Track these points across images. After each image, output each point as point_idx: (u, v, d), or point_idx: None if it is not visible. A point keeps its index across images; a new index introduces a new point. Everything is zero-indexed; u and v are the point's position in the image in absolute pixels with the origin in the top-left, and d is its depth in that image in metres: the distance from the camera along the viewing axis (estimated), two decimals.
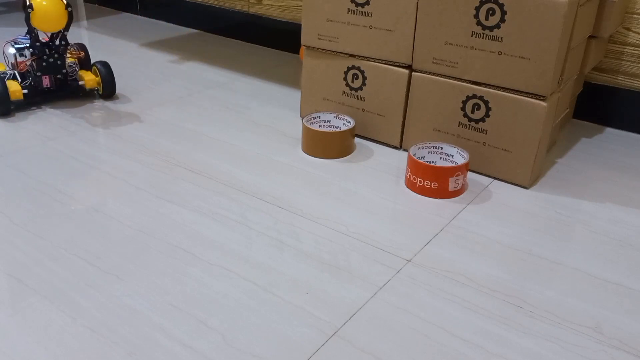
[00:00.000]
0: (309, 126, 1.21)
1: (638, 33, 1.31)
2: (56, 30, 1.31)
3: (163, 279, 0.83)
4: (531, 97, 1.04)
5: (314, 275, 0.85)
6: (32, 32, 1.32)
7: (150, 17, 2.31)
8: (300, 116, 1.40)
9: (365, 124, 1.28)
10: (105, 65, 1.45)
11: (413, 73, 1.17)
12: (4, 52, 1.39)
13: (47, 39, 1.36)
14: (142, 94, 1.52)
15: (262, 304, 0.79)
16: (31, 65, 1.35)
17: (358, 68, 1.24)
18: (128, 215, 0.98)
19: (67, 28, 1.33)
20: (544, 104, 1.03)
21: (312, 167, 1.16)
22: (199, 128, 1.32)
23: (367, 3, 1.18)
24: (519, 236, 0.96)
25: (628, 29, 1.32)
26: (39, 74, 1.36)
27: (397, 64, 1.19)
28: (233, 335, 0.73)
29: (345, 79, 1.27)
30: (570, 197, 1.08)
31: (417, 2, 1.12)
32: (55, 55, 1.36)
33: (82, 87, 1.44)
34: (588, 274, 0.87)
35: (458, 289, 0.83)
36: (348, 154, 1.22)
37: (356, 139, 1.29)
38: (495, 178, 1.14)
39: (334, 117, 1.26)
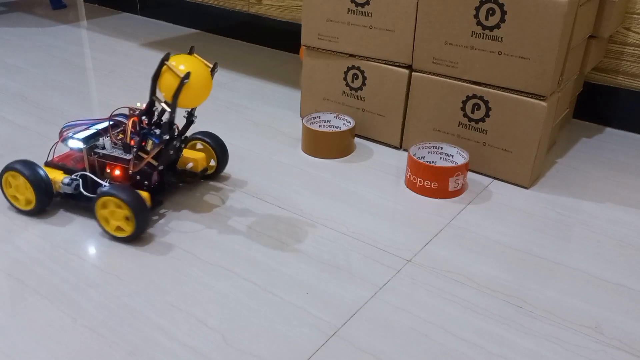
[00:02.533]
0: (309, 126, 1.21)
1: (638, 33, 1.31)
2: (199, 104, 0.93)
3: (163, 279, 0.83)
4: (531, 97, 1.04)
5: (314, 275, 0.85)
6: (170, 111, 0.90)
7: (150, 17, 2.31)
8: (300, 116, 1.40)
9: (365, 124, 1.28)
10: (211, 136, 1.07)
11: (413, 73, 1.17)
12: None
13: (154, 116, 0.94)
14: (142, 93, 1.52)
15: (262, 304, 0.79)
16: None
17: (358, 68, 1.24)
18: None
19: None
20: (544, 104, 1.03)
21: (312, 167, 1.16)
22: (199, 128, 1.32)
23: (367, 3, 1.18)
24: (519, 236, 0.96)
25: (628, 29, 1.32)
26: (161, 167, 0.95)
27: (397, 64, 1.19)
28: (233, 335, 0.73)
29: (345, 79, 1.27)
30: (570, 197, 1.08)
31: (417, 2, 1.12)
32: (181, 138, 0.98)
33: (190, 171, 1.03)
34: (588, 274, 0.87)
35: (458, 289, 0.83)
36: (348, 154, 1.22)
37: (356, 139, 1.29)
38: (495, 178, 1.14)
39: (334, 117, 1.26)
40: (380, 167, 1.17)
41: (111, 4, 2.44)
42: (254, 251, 0.90)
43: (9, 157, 1.16)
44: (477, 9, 1.05)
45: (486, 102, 1.09)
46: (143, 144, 0.93)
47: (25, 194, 0.95)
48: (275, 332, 0.74)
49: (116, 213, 0.88)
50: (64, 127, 0.98)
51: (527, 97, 1.05)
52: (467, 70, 1.10)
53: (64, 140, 0.96)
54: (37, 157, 1.16)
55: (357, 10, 1.19)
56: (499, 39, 1.04)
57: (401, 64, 1.19)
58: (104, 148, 0.95)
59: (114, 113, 0.99)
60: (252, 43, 2.01)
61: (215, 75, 1.70)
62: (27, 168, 0.92)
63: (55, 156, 1.00)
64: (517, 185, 1.11)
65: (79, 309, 0.77)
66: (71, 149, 0.96)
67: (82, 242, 0.91)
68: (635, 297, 0.83)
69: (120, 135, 0.97)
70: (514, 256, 0.91)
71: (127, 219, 0.88)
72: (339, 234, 0.95)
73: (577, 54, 1.17)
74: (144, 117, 0.93)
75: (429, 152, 1.13)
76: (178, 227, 0.95)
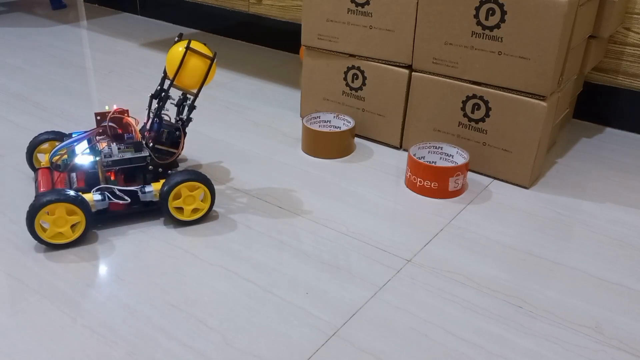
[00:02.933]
0: (309, 126, 1.21)
1: (638, 33, 1.31)
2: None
3: (163, 279, 0.83)
4: (531, 97, 1.04)
5: (314, 275, 0.85)
6: (195, 95, 0.95)
7: (150, 17, 2.31)
8: (300, 116, 1.40)
9: (365, 124, 1.28)
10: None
11: (413, 73, 1.17)
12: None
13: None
14: (142, 93, 1.52)
15: (262, 304, 0.79)
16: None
17: (358, 68, 1.24)
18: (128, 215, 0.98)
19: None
20: (544, 104, 1.03)
21: (312, 167, 1.16)
22: (198, 128, 1.32)
23: (367, 3, 1.17)
24: (519, 236, 0.96)
25: (628, 29, 1.32)
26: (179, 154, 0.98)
27: (397, 64, 1.19)
28: (233, 335, 0.73)
29: (345, 79, 1.27)
30: (570, 197, 1.08)
31: (417, 2, 1.12)
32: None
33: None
34: (588, 274, 0.87)
35: (458, 289, 0.83)
36: (348, 154, 1.22)
37: (356, 139, 1.29)
38: (495, 178, 1.14)
39: (334, 117, 1.26)
40: (380, 167, 1.17)
41: (111, 4, 2.44)
42: (254, 251, 0.90)
43: (9, 157, 1.16)
44: (477, 9, 1.05)
45: (486, 102, 1.09)
46: (152, 135, 0.95)
47: (65, 226, 0.87)
48: (275, 332, 0.74)
49: (190, 197, 0.92)
50: (52, 156, 0.94)
51: (527, 97, 1.05)
52: (467, 70, 1.10)
53: (62, 164, 0.92)
54: None
55: (357, 10, 1.19)
56: (499, 39, 1.04)
57: (401, 64, 1.19)
58: (110, 156, 0.92)
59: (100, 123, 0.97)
60: (252, 43, 2.01)
61: (215, 75, 1.70)
62: (63, 194, 0.85)
63: (40, 187, 0.94)
64: (517, 185, 1.11)
65: (79, 309, 0.77)
66: (82, 166, 0.92)
67: (82, 242, 0.91)
68: (635, 297, 0.83)
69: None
70: (514, 256, 0.91)
71: (201, 198, 0.93)
72: (339, 234, 0.95)
73: (577, 54, 1.17)
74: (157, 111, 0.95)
75: (429, 152, 1.13)
76: (178, 227, 0.95)
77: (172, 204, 0.92)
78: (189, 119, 0.98)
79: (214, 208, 1.00)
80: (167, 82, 0.96)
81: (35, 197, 0.86)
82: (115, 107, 0.96)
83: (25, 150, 1.06)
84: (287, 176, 1.12)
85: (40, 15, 2.29)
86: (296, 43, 1.87)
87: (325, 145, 1.19)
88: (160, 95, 0.95)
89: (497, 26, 1.04)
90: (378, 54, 1.20)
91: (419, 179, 1.06)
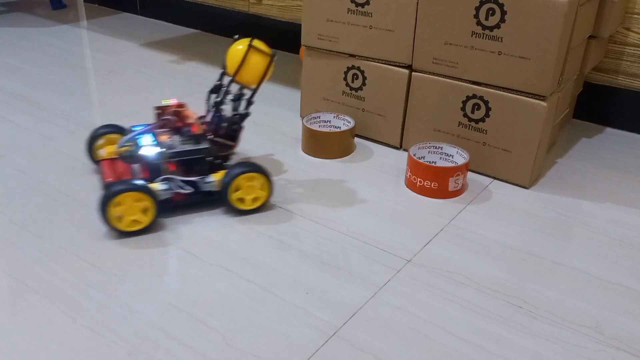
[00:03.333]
0: (309, 126, 1.21)
1: (638, 33, 1.31)
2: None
3: (163, 279, 0.83)
4: (531, 97, 1.04)
5: (314, 275, 0.85)
6: (253, 90, 1.01)
7: (150, 17, 2.31)
8: (300, 116, 1.40)
9: (365, 124, 1.28)
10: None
11: (413, 73, 1.17)
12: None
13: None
14: (142, 93, 1.52)
15: (262, 304, 0.79)
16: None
17: (358, 68, 1.24)
18: None
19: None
20: (544, 104, 1.03)
21: (312, 167, 1.16)
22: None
23: (367, 3, 1.17)
24: (519, 236, 0.96)
25: (628, 29, 1.32)
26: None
27: (397, 64, 1.19)
28: (233, 335, 0.73)
29: (345, 79, 1.27)
30: (570, 197, 1.08)
31: (417, 2, 1.12)
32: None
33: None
34: (588, 274, 0.87)
35: (458, 289, 0.83)
36: (348, 154, 1.22)
37: (356, 139, 1.29)
38: (495, 178, 1.14)
39: (334, 117, 1.26)
40: (380, 167, 1.17)
41: (111, 4, 2.44)
42: (254, 251, 0.90)
43: (9, 157, 1.16)
44: (477, 9, 1.05)
45: (486, 102, 1.09)
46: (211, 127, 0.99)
47: (135, 214, 0.91)
48: (275, 332, 0.74)
49: (251, 187, 0.97)
50: (121, 146, 0.97)
51: (527, 97, 1.05)
52: (467, 70, 1.10)
53: (130, 155, 0.95)
54: (37, 157, 1.16)
55: (357, 10, 1.19)
56: (499, 39, 1.04)
57: (401, 64, 1.19)
58: (172, 147, 0.96)
59: (160, 116, 1.01)
60: None
61: (215, 75, 1.70)
62: (140, 186, 0.90)
63: (106, 178, 0.98)
64: (517, 185, 1.11)
65: (79, 309, 0.77)
66: (147, 158, 0.95)
67: (82, 242, 0.91)
68: (635, 297, 0.83)
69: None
70: (514, 256, 0.91)
71: (261, 187, 0.98)
72: (339, 234, 0.95)
73: (577, 54, 1.17)
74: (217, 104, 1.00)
75: (429, 152, 1.13)
76: (178, 227, 0.95)
77: (233, 195, 0.97)
78: (247, 114, 1.01)
79: (214, 208, 1.00)
80: (225, 78, 1.00)
81: (105, 187, 0.91)
82: (174, 101, 1.01)
83: (86, 143, 1.10)
84: (287, 176, 1.12)
85: (40, 15, 2.29)
86: (296, 43, 1.87)
87: (325, 145, 1.19)
88: (219, 90, 1.01)
89: (497, 26, 1.04)
90: (378, 54, 1.20)
91: (419, 179, 1.06)
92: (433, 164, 1.09)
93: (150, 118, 1.36)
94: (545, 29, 0.99)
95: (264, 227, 0.96)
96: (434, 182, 1.05)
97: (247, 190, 0.97)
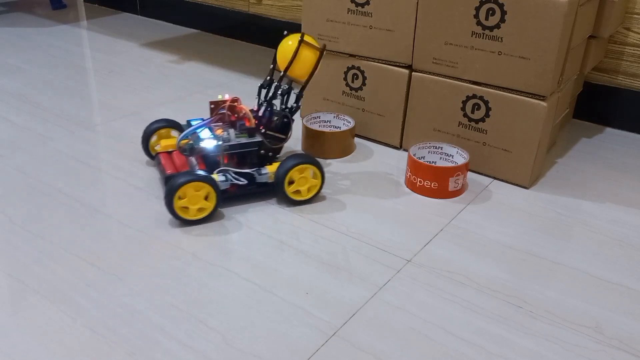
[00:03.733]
0: (309, 126, 1.21)
1: (638, 33, 1.31)
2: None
3: (163, 279, 0.83)
4: (531, 97, 1.04)
5: (314, 275, 0.85)
6: (304, 84, 1.04)
7: (150, 17, 2.31)
8: (300, 116, 1.40)
9: (365, 124, 1.28)
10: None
11: (413, 73, 1.17)
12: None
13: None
14: (142, 93, 1.52)
15: (262, 304, 0.79)
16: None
17: (358, 68, 1.24)
18: (128, 215, 0.98)
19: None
20: (544, 104, 1.03)
21: None
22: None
23: (367, 3, 1.17)
24: (519, 236, 0.96)
25: (628, 29, 1.32)
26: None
27: (397, 64, 1.19)
28: (233, 335, 0.73)
29: (345, 79, 1.27)
30: (570, 197, 1.08)
31: (417, 2, 1.12)
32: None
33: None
34: (588, 274, 0.87)
35: (458, 289, 0.83)
36: (348, 154, 1.22)
37: (356, 139, 1.29)
38: (495, 178, 1.14)
39: (334, 117, 1.26)
40: (380, 167, 1.17)
41: (111, 4, 2.44)
42: (254, 251, 0.90)
43: (9, 157, 1.16)
44: (477, 9, 1.05)
45: (486, 102, 1.09)
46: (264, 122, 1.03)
47: (199, 203, 0.94)
48: (275, 332, 0.74)
49: (304, 178, 1.01)
50: (180, 141, 1.01)
51: (527, 97, 1.05)
52: (467, 70, 1.10)
53: (191, 148, 0.99)
54: (37, 157, 1.16)
55: (357, 10, 1.19)
56: (499, 39, 1.04)
57: (401, 64, 1.19)
58: (229, 140, 1.00)
59: (215, 110, 1.05)
60: (252, 43, 2.01)
61: (215, 75, 1.70)
62: (205, 177, 0.93)
63: (167, 170, 1.01)
64: (517, 185, 1.11)
65: (79, 309, 0.77)
66: (208, 150, 0.99)
67: (82, 242, 0.91)
68: (635, 297, 0.83)
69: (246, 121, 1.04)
70: (514, 256, 0.91)
71: (313, 177, 1.02)
72: (339, 234, 0.95)
73: (577, 54, 1.17)
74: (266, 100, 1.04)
75: (429, 152, 1.13)
76: (178, 227, 0.95)
77: (288, 187, 1.00)
78: (297, 107, 1.05)
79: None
80: (276, 73, 1.04)
81: (169, 178, 0.96)
82: (227, 96, 1.05)
83: (141, 139, 1.13)
84: None
85: (40, 15, 2.29)
86: None
87: (325, 145, 1.19)
88: (270, 85, 1.04)
89: (497, 26, 1.04)
90: (378, 54, 1.20)
91: (419, 179, 1.06)
92: (433, 164, 1.09)
93: (150, 118, 1.36)
94: (545, 29, 0.99)
95: (264, 227, 0.96)
96: (434, 182, 1.05)
97: (301, 181, 1.01)
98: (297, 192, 1.02)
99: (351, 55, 1.24)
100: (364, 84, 1.24)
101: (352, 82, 1.26)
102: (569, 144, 1.31)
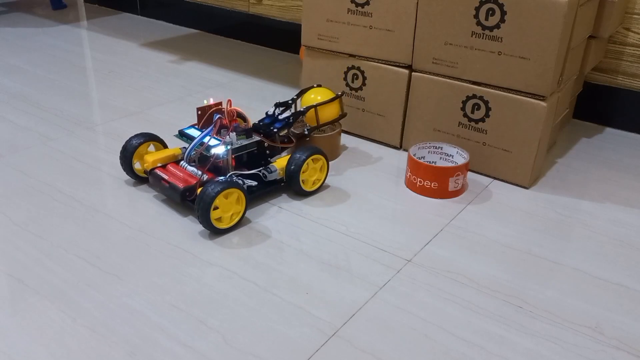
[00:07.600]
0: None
1: (638, 33, 1.31)
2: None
3: (163, 279, 0.83)
4: (531, 97, 1.04)
5: (314, 275, 0.85)
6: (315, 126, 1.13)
7: (150, 17, 2.31)
8: None
9: (365, 124, 1.28)
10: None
11: (413, 73, 1.17)
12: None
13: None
14: (142, 93, 1.52)
15: (262, 304, 0.79)
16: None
17: (358, 68, 1.24)
18: (128, 215, 0.98)
19: None
20: (544, 104, 1.03)
21: None
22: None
23: (367, 3, 1.17)
24: (519, 236, 0.96)
25: (628, 29, 1.32)
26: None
27: (397, 64, 1.19)
28: (233, 335, 0.73)
29: (345, 79, 1.27)
30: (570, 197, 1.08)
31: (417, 2, 1.12)
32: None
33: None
34: (588, 274, 0.87)
35: (458, 289, 0.83)
36: (333, 159, 1.22)
37: (356, 139, 1.29)
38: (495, 178, 1.14)
39: None
40: (380, 167, 1.17)
41: (111, 4, 2.44)
42: (254, 251, 0.90)
43: (9, 157, 1.16)
44: (477, 9, 1.05)
45: (486, 102, 1.09)
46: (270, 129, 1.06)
47: (232, 209, 0.93)
48: (275, 332, 0.74)
49: (313, 170, 1.04)
50: (189, 153, 1.00)
51: (527, 97, 1.05)
52: (467, 70, 1.10)
53: (205, 157, 1.00)
54: (37, 157, 1.16)
55: (357, 10, 1.19)
56: (499, 39, 1.04)
57: (401, 64, 1.19)
58: (233, 144, 1.01)
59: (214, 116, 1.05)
60: (252, 43, 2.01)
61: (215, 75, 1.70)
62: (232, 182, 0.92)
63: (178, 184, 0.98)
64: (517, 185, 1.11)
65: (79, 309, 0.77)
66: (219, 155, 0.98)
67: (82, 242, 0.91)
68: (635, 297, 0.83)
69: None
70: (514, 256, 0.91)
71: (320, 169, 1.05)
72: (339, 234, 0.95)
73: (577, 54, 1.17)
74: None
75: (429, 152, 1.13)
76: (178, 227, 0.95)
77: (301, 176, 1.02)
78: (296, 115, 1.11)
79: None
80: (294, 104, 1.15)
81: (187, 192, 0.95)
82: (212, 100, 1.05)
83: (120, 159, 1.06)
84: None
85: (40, 16, 2.29)
86: (296, 43, 1.87)
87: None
88: (285, 106, 1.12)
89: (497, 26, 1.04)
90: (378, 54, 1.20)
91: (419, 179, 1.06)
92: (433, 164, 1.09)
93: (151, 118, 1.37)
94: (545, 29, 0.99)
95: (264, 227, 0.96)
96: (434, 182, 1.05)
97: (311, 172, 1.04)
98: (304, 181, 1.03)
99: (351, 55, 1.24)
100: (364, 84, 1.24)
101: (352, 82, 1.26)
102: (569, 144, 1.31)
